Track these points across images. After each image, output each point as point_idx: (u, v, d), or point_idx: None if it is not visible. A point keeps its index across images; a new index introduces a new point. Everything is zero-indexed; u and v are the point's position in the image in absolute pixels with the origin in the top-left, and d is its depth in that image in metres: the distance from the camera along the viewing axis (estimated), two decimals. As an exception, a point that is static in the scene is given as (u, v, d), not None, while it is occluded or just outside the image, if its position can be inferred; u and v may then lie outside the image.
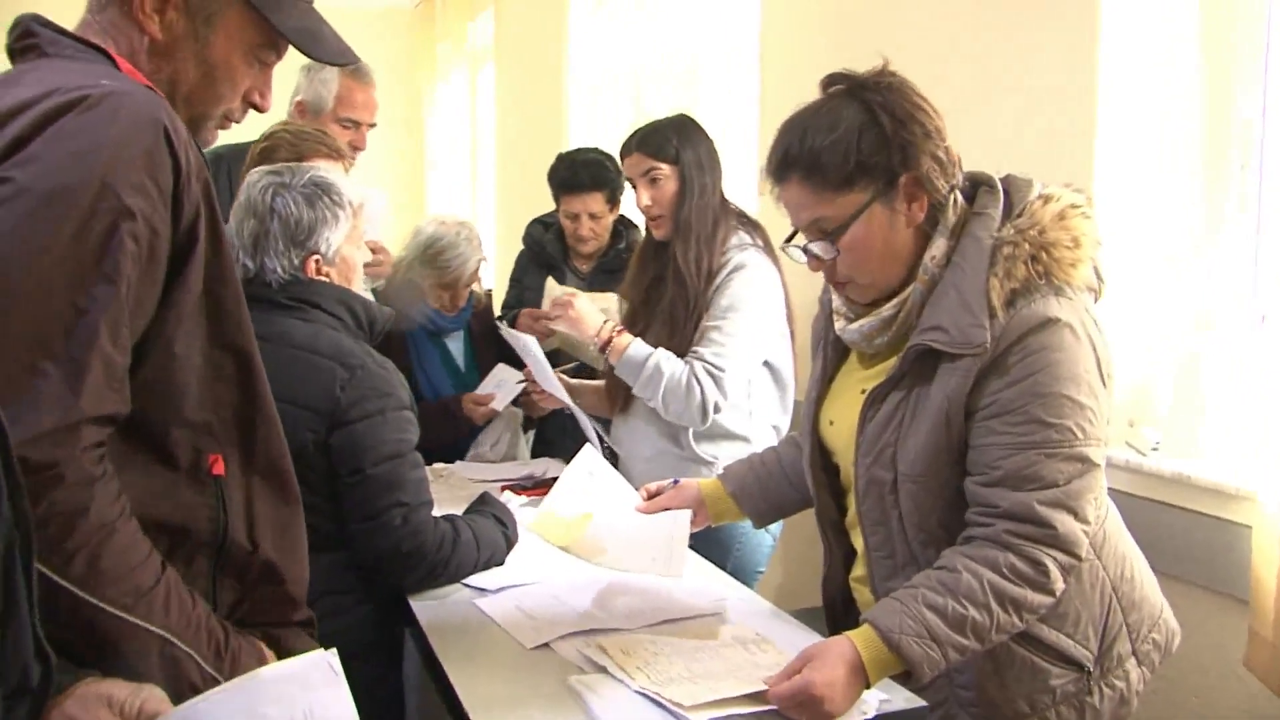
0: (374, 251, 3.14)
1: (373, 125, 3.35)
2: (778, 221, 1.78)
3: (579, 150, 3.56)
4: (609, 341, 2.66)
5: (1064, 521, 1.55)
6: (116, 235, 1.17)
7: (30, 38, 1.32)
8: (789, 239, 1.78)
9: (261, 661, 1.36)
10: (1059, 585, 1.57)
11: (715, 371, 2.57)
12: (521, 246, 3.70)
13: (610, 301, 3.05)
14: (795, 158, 1.67)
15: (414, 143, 8.70)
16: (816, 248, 1.70)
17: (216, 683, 1.26)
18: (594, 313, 2.72)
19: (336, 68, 3.17)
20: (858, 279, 1.71)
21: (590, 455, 2.12)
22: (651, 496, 2.10)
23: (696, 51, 4.36)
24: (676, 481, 2.11)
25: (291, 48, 1.44)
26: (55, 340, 1.14)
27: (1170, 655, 1.79)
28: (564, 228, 3.49)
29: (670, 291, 2.66)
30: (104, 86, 1.22)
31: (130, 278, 1.19)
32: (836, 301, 1.82)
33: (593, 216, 3.40)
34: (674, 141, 2.68)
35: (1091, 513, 1.59)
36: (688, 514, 2.04)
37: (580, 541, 2.03)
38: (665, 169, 2.67)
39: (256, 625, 1.40)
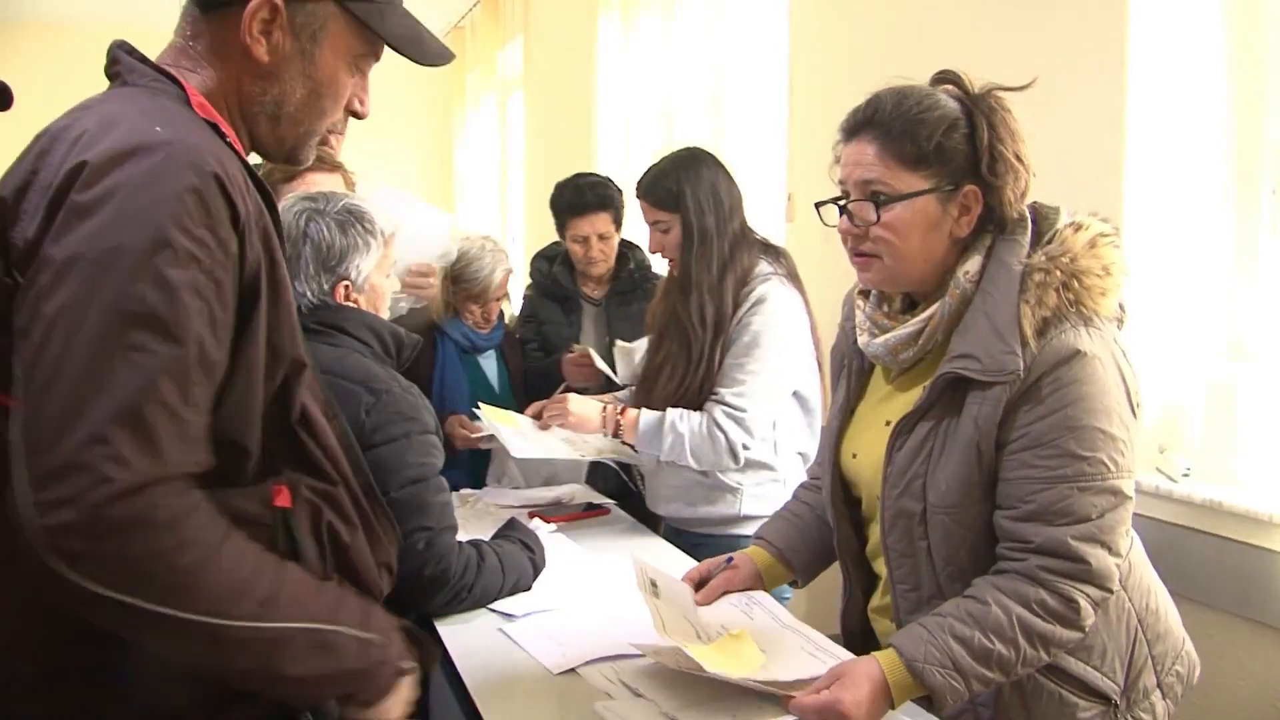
0: (423, 274, 3.17)
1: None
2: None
3: (578, 175, 3.55)
4: (618, 425, 2.65)
5: (1098, 556, 1.54)
6: (176, 293, 1.13)
7: (115, 64, 1.33)
8: (825, 201, 1.73)
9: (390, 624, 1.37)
10: (1089, 621, 1.56)
11: (736, 413, 2.55)
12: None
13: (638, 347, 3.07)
14: (881, 119, 1.65)
15: (444, 171, 8.78)
16: (858, 207, 1.67)
17: (372, 645, 1.29)
18: (590, 405, 2.70)
19: None
20: (884, 258, 1.68)
21: (641, 567, 1.91)
22: (702, 579, 1.97)
23: (725, 78, 4.38)
24: (730, 560, 2.00)
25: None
26: (127, 404, 1.10)
27: (1192, 688, 1.77)
28: (573, 253, 3.49)
29: (677, 337, 2.66)
30: (158, 135, 1.19)
31: (201, 335, 1.16)
32: (860, 316, 1.80)
33: (601, 237, 3.42)
34: (675, 187, 2.65)
35: (1124, 545, 1.58)
36: (765, 595, 1.95)
37: (764, 665, 1.76)
38: (667, 217, 2.66)
39: None
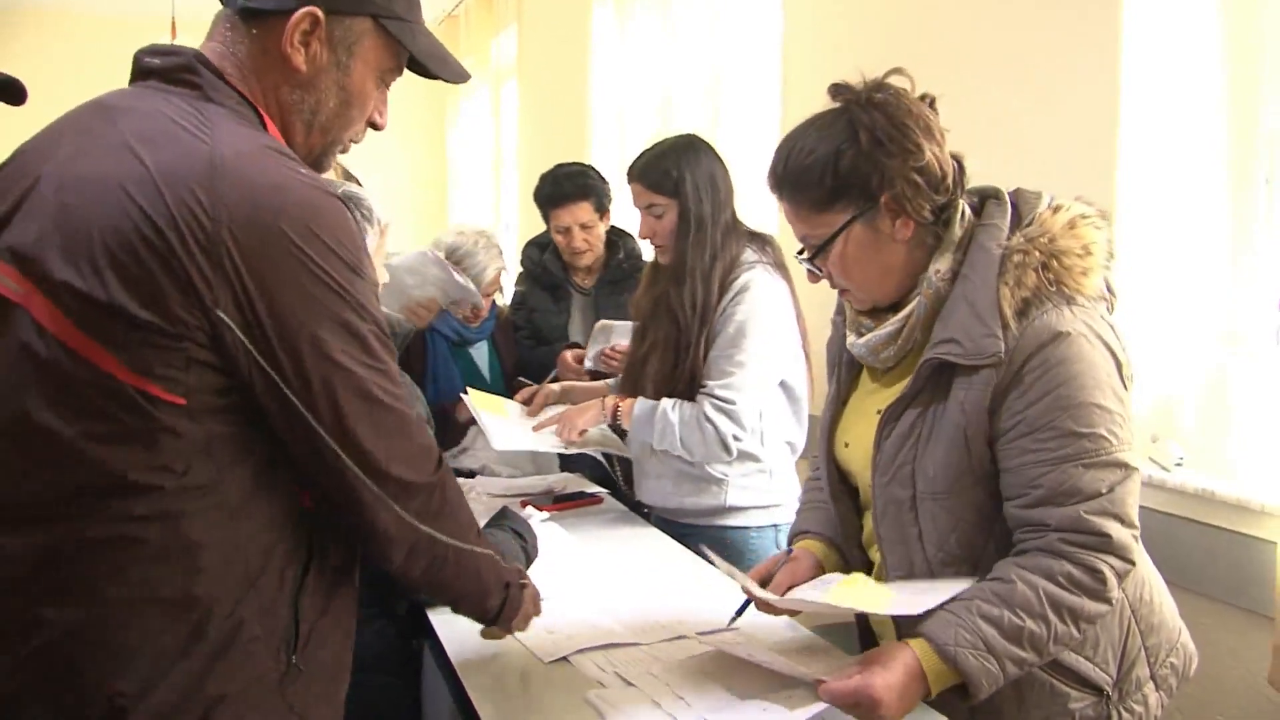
0: (426, 309, 3.12)
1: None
2: (792, 237, 1.78)
3: (559, 165, 3.54)
4: (615, 411, 2.65)
5: (1114, 528, 1.53)
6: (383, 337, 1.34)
7: (191, 73, 1.33)
8: (801, 251, 1.77)
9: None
10: (1114, 593, 1.55)
11: (726, 406, 2.54)
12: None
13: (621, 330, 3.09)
14: (781, 177, 1.69)
15: (437, 158, 8.75)
16: (808, 261, 1.73)
17: (512, 571, 1.63)
18: (587, 406, 2.71)
19: None
20: (854, 290, 1.72)
21: (714, 559, 1.92)
22: (767, 576, 1.90)
23: (720, 66, 4.37)
24: (790, 551, 1.96)
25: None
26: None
27: (1187, 680, 1.76)
28: (558, 244, 3.48)
29: (665, 325, 2.65)
30: (307, 178, 1.28)
31: None
32: (849, 315, 1.82)
33: (584, 227, 3.39)
34: (674, 172, 2.62)
35: (1136, 517, 1.57)
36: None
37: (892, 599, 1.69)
38: (664, 202, 2.63)
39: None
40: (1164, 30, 2.35)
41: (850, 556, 1.90)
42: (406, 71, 1.50)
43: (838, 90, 1.69)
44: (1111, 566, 1.53)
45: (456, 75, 1.52)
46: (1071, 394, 1.54)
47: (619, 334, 3.12)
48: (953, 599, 1.56)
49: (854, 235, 1.66)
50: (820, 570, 1.92)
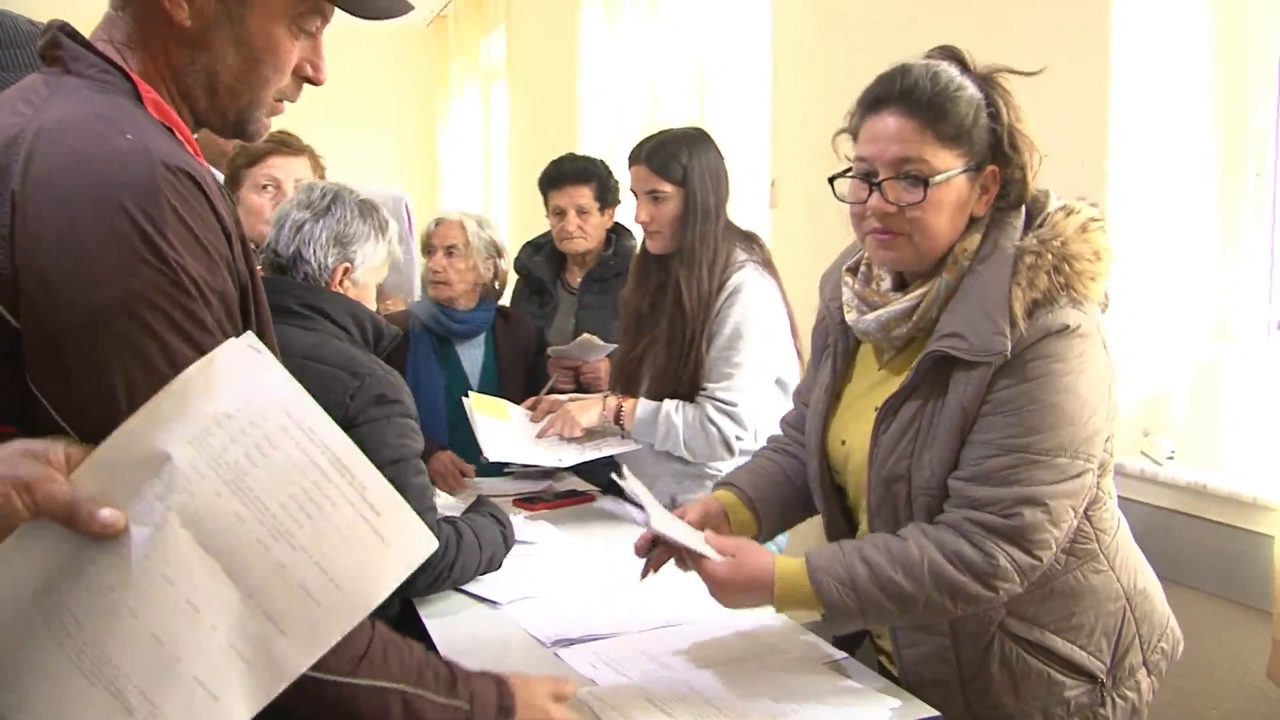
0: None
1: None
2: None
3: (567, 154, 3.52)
4: (619, 411, 2.66)
5: (1033, 518, 1.53)
6: (196, 317, 1.10)
7: (56, 48, 1.21)
8: (841, 174, 1.69)
9: (499, 689, 1.33)
10: (1007, 584, 1.54)
11: (728, 408, 2.56)
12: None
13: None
14: (921, 92, 1.60)
15: (427, 158, 8.76)
16: (900, 186, 1.60)
17: (457, 710, 1.25)
18: (588, 404, 2.70)
19: None
20: (914, 236, 1.63)
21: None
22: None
23: (708, 65, 4.36)
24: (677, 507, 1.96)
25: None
26: None
27: (1175, 663, 1.78)
28: (552, 229, 3.38)
29: (670, 313, 2.63)
30: (129, 144, 1.11)
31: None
32: (847, 294, 1.77)
33: (580, 211, 3.29)
34: (683, 160, 2.62)
35: (1065, 520, 1.56)
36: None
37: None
38: (669, 189, 2.62)
39: None
40: (1153, 26, 2.35)
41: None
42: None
43: (948, 53, 1.67)
44: (1010, 557, 1.53)
45: (383, 10, 1.30)
46: (1044, 393, 1.55)
47: (597, 353, 3.08)
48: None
49: (955, 183, 1.62)
50: (725, 524, 1.90)
